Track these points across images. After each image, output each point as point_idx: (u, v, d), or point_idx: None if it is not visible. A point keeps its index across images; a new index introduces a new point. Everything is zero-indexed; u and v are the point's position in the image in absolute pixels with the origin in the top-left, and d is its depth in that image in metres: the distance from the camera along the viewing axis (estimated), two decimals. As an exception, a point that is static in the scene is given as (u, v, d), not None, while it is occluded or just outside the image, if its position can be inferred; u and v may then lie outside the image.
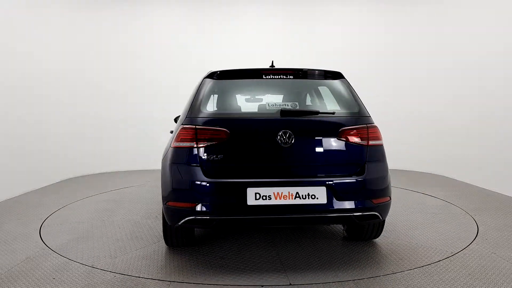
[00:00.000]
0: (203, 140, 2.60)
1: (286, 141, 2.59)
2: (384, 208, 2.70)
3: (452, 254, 3.03)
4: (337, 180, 2.58)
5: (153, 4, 7.39)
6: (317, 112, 2.88)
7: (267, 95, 3.57)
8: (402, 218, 4.04)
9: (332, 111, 2.90)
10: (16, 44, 5.55)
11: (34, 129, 5.85)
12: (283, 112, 2.72)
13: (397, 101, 7.19)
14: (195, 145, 2.59)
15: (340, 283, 2.53)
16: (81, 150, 6.94)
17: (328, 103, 3.26)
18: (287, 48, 7.42)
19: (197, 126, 2.64)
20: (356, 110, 2.86)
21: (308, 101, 3.58)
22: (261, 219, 2.52)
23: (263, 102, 3.26)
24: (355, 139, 2.69)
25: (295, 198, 2.48)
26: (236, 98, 3.20)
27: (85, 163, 6.99)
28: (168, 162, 2.71)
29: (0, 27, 5.25)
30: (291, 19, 7.54)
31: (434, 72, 6.76)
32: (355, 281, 2.56)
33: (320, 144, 2.67)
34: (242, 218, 2.50)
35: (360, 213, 2.57)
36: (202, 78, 3.01)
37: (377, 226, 3.15)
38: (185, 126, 2.69)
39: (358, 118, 2.79)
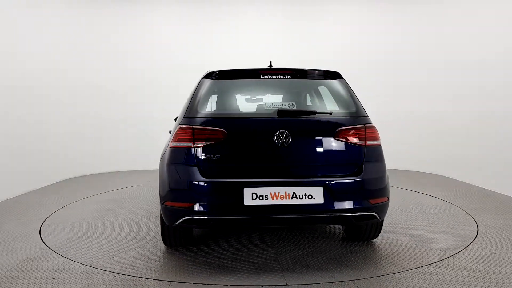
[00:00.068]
0: (201, 140, 2.60)
1: (283, 141, 2.59)
2: (382, 209, 2.69)
3: (452, 254, 3.03)
4: (334, 180, 2.57)
5: (153, 4, 7.39)
6: (315, 112, 2.87)
7: (264, 95, 3.57)
8: (401, 218, 4.04)
9: (329, 111, 2.90)
10: (16, 44, 5.56)
11: (34, 129, 5.86)
12: (280, 112, 2.71)
13: (397, 101, 7.18)
14: (193, 145, 2.60)
15: (340, 283, 2.53)
16: (81, 150, 6.96)
17: (326, 103, 3.26)
18: (287, 48, 7.42)
19: (194, 126, 2.64)
20: (354, 110, 2.86)
21: (308, 101, 3.58)
22: (258, 219, 2.52)
23: (261, 102, 3.26)
24: (352, 139, 2.69)
25: (292, 198, 2.47)
26: (234, 98, 3.20)
27: (85, 163, 7.00)
28: (166, 162, 2.71)
29: (0, 27, 5.26)
30: (291, 19, 7.53)
31: (434, 72, 6.75)
32: (355, 281, 2.56)
33: (317, 144, 2.66)
34: (239, 218, 2.51)
35: (358, 214, 2.56)
36: (200, 78, 3.01)
37: (375, 227, 3.14)
38: (182, 126, 2.69)
39: (355, 118, 2.79)
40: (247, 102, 3.64)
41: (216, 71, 2.95)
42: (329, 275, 2.65)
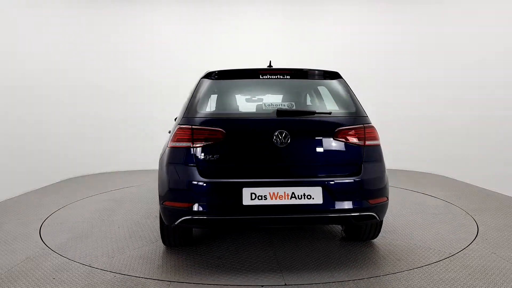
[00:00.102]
0: (200, 140, 2.60)
1: (282, 141, 2.59)
2: (381, 209, 2.69)
3: (452, 254, 3.02)
4: (333, 180, 2.57)
5: (153, 4, 7.40)
6: (314, 112, 2.87)
7: (264, 95, 3.57)
8: (401, 218, 4.03)
9: (328, 111, 2.90)
10: (16, 44, 5.56)
11: (34, 129, 5.86)
12: (279, 112, 2.71)
13: (397, 101, 7.17)
14: (192, 145, 2.60)
15: (339, 283, 2.53)
16: (81, 150, 6.96)
17: (326, 103, 3.26)
18: (287, 48, 7.41)
19: (193, 126, 2.64)
20: (353, 110, 2.85)
21: (307, 101, 3.57)
22: (256, 219, 2.52)
23: (260, 102, 3.25)
24: (351, 139, 2.69)
25: (290, 198, 2.47)
26: (233, 98, 3.20)
27: (85, 163, 7.01)
28: (165, 162, 2.71)
29: (0, 27, 5.27)
30: (291, 19, 7.53)
31: (434, 72, 6.74)
32: (355, 281, 2.56)
33: (316, 144, 2.66)
34: (237, 218, 2.51)
35: (357, 214, 2.56)
36: (200, 78, 3.01)
37: (375, 227, 3.14)
38: (181, 126, 2.69)
39: (355, 118, 2.79)
40: (246, 102, 3.64)
41: (215, 71, 2.95)
42: (328, 275, 2.65)
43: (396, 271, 2.72)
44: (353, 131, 2.70)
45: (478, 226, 3.73)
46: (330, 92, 3.09)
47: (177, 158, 2.63)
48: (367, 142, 2.71)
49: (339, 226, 3.68)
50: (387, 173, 2.82)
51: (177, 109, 3.36)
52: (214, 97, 3.09)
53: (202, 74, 3.03)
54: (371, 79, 7.15)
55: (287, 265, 2.84)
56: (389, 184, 2.84)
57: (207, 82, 2.93)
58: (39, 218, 4.15)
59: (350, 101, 2.91)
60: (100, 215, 4.26)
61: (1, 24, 5.28)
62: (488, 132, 5.58)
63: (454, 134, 6.31)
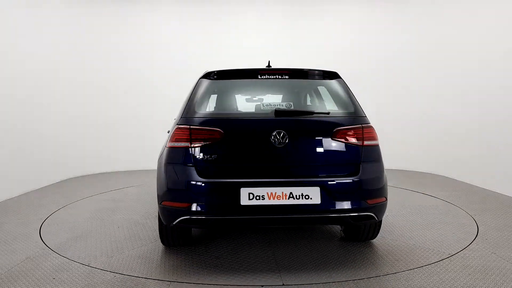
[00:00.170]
0: (198, 140, 2.60)
1: (280, 141, 2.59)
2: (379, 209, 2.68)
3: (452, 254, 3.02)
4: (332, 180, 2.56)
5: (153, 4, 7.40)
6: (312, 112, 2.87)
7: (263, 95, 3.56)
8: (401, 219, 4.03)
9: (327, 111, 2.89)
10: (16, 44, 5.57)
11: (34, 129, 5.87)
12: (277, 112, 2.71)
13: (397, 101, 7.17)
14: (190, 145, 2.60)
15: (338, 283, 2.52)
16: (81, 150, 6.97)
17: (324, 103, 3.25)
18: (286, 48, 7.41)
19: (191, 126, 2.64)
20: (351, 110, 2.85)
21: (306, 101, 3.57)
22: (254, 219, 2.52)
23: (258, 102, 3.25)
24: (350, 139, 2.68)
25: (288, 198, 2.47)
26: (231, 98, 3.20)
27: (85, 163, 7.01)
28: (163, 162, 2.72)
29: (0, 27, 5.27)
30: (291, 19, 7.53)
31: (434, 72, 6.73)
32: (354, 281, 2.55)
33: (314, 144, 2.66)
34: (236, 218, 2.50)
35: (355, 214, 2.56)
36: (198, 78, 3.01)
37: (374, 227, 3.13)
38: (180, 126, 2.69)
39: (353, 118, 2.78)
40: (245, 102, 3.64)
41: (214, 71, 2.95)
42: (326, 276, 2.64)
43: (396, 271, 2.71)
44: (351, 131, 2.69)
45: (478, 226, 3.72)
46: (329, 92, 3.09)
47: (175, 158, 2.63)
48: (366, 142, 2.70)
49: (338, 226, 3.68)
50: (385, 173, 2.81)
51: (177, 109, 3.36)
52: (213, 97, 3.09)
53: (201, 74, 3.03)
54: (370, 79, 7.14)
55: (285, 265, 2.83)
56: (389, 184, 2.83)
57: (205, 82, 2.93)
58: (39, 218, 4.15)
59: (349, 101, 2.90)
60: (100, 215, 4.27)
61: (1, 24, 5.29)
62: (488, 132, 5.56)
63: (454, 134, 6.29)
